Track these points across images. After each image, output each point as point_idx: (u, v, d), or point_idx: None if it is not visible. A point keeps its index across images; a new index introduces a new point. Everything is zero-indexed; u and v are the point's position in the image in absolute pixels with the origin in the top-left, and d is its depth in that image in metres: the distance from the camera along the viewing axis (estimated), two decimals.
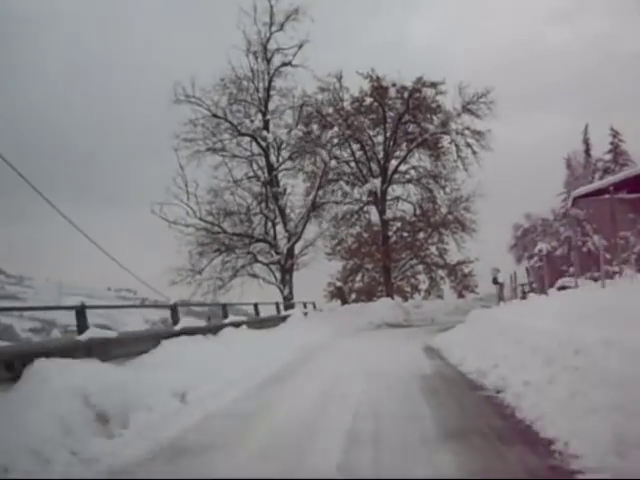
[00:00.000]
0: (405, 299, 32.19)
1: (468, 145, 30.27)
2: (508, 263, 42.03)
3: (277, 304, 20.86)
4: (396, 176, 33.46)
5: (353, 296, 33.67)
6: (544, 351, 7.81)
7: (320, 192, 27.51)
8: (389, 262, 32.33)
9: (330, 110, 30.94)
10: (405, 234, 33.68)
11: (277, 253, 25.83)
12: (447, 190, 32.23)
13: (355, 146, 32.91)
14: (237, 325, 12.71)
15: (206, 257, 25.74)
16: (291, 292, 25.59)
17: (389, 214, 32.97)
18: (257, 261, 26.15)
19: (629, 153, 41.11)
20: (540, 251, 59.45)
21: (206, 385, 7.33)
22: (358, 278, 34.36)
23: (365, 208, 34.18)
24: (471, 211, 32.12)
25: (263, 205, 26.82)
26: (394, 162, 32.87)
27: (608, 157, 43.58)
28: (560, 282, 25.81)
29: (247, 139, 26.92)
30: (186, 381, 6.90)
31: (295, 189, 27.76)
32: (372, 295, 32.54)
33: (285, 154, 27.84)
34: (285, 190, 26.72)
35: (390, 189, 33.67)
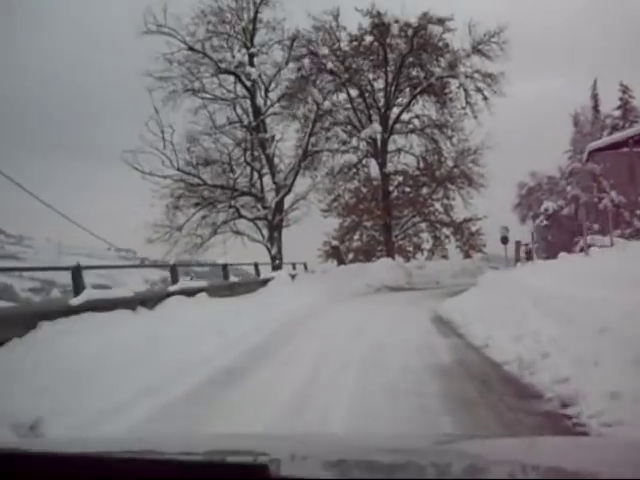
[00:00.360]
0: (407, 259, 29.61)
1: (478, 90, 27.17)
2: (512, 223, 40.54)
3: (256, 265, 18.31)
4: (398, 126, 30.48)
5: (351, 256, 31.10)
6: (623, 338, 5.22)
7: (313, 139, 24.46)
8: (390, 219, 29.64)
9: (325, 51, 27.73)
10: (407, 189, 30.88)
11: (264, 207, 23.04)
12: (454, 141, 29.30)
13: (353, 92, 29.85)
14: (191, 293, 9.99)
15: (184, 212, 22.95)
16: (280, 251, 22.89)
17: (390, 167, 30.14)
18: (241, 216, 23.33)
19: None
20: (546, 210, 57.19)
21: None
22: (356, 237, 31.77)
23: (364, 161, 31.33)
24: (479, 164, 29.27)
25: (248, 154, 23.74)
26: (396, 110, 29.90)
27: (617, 113, 41.82)
28: (589, 239, 22.82)
29: (230, 79, 23.72)
30: None
31: (285, 136, 24.71)
32: (371, 255, 29.97)
33: (273, 96, 24.78)
34: (273, 137, 23.66)
35: (391, 140, 30.74)
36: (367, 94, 29.78)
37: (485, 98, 26.81)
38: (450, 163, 29.87)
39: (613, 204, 30.89)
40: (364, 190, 30.81)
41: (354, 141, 30.96)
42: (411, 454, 1.62)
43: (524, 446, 1.98)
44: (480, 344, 7.71)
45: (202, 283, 11.35)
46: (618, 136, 31.91)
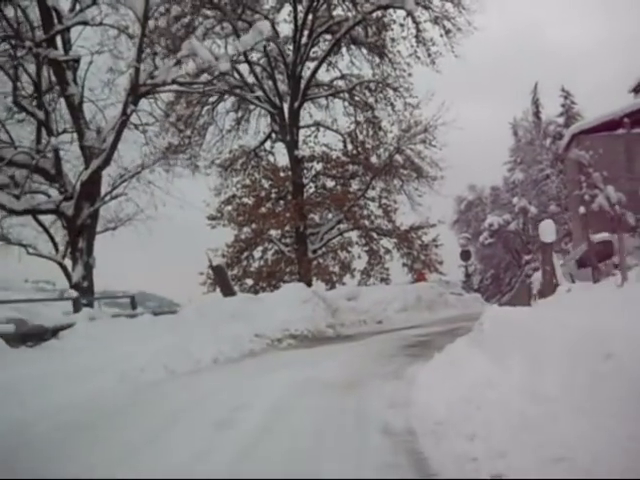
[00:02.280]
0: (331, 285, 19.89)
1: (436, 21, 17.84)
2: (450, 243, 33.88)
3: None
4: (315, 90, 20.98)
5: (250, 282, 21.06)
6: None
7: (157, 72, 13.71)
8: (304, 226, 19.97)
9: None
10: (330, 182, 21.26)
11: (61, 192, 12.62)
12: (397, 107, 19.84)
13: None
14: None
15: None
16: (89, 275, 12.37)
17: (304, 151, 20.55)
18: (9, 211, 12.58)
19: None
20: (491, 225, 48.41)
21: None
22: (258, 254, 21.69)
23: (268, 144, 21.66)
24: (433, 146, 20.04)
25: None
26: (311, 65, 20.39)
27: (561, 120, 39.41)
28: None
29: None
30: None
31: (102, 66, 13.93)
32: (278, 280, 20.02)
33: None
34: (77, 61, 12.99)
35: (307, 112, 21.26)
36: (269, 46, 20.23)
37: (447, 32, 17.56)
38: (392, 145, 20.47)
39: (610, 203, 22.42)
40: (266, 185, 21.00)
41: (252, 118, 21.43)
42: None
43: None
44: None
45: None
46: (611, 114, 23.88)
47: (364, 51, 20.11)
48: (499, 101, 67.54)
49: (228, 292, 17.12)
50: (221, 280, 17.96)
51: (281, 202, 20.92)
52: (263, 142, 21.63)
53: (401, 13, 18.32)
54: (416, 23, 18.08)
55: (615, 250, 14.99)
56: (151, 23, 12.66)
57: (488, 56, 50.44)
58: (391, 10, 18.31)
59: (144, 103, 12.87)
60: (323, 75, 20.91)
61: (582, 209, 16.22)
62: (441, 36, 17.54)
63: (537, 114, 44.04)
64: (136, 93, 11.49)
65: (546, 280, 8.73)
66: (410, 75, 18.89)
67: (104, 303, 14.56)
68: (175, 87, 12.42)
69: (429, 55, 17.94)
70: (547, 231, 8.94)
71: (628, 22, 75.63)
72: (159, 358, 8.50)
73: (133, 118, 12.96)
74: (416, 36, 18.10)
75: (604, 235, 17.67)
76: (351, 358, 9.39)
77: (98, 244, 12.82)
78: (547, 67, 67.90)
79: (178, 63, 11.38)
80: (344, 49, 20.38)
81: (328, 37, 20.07)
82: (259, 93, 18.32)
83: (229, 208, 21.16)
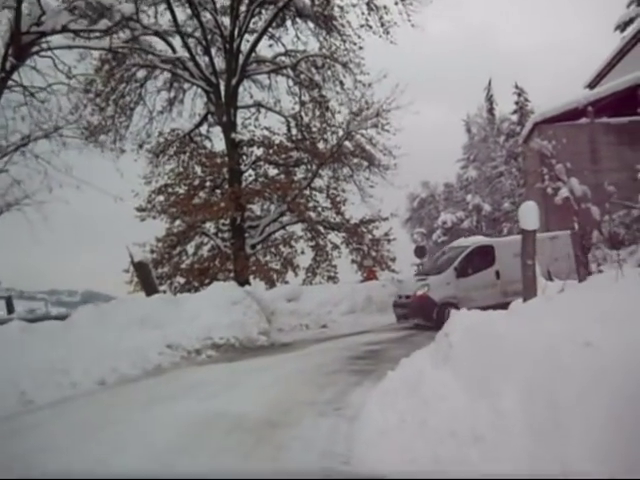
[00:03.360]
0: (271, 284, 17.71)
1: None
2: (402, 241, 31.66)
3: None
4: (255, 67, 18.79)
5: (182, 280, 18.67)
6: None
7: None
8: (242, 218, 17.75)
9: None
10: (272, 170, 19.05)
11: None
12: (346, 85, 17.76)
13: (181, 10, 18.00)
14: None
15: None
16: None
17: (243, 134, 18.31)
18: None
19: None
20: (444, 223, 47.17)
21: None
22: (191, 250, 19.30)
23: (204, 127, 19.42)
24: (385, 131, 18.04)
25: None
26: (251, 39, 18.16)
27: (515, 118, 38.75)
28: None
29: None
30: None
31: None
32: (212, 278, 17.66)
33: None
34: None
35: (247, 92, 19.11)
36: (204, 17, 17.98)
37: None
38: (341, 128, 18.40)
39: (575, 197, 20.97)
40: (200, 172, 18.68)
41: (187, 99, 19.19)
42: None
43: None
44: None
45: None
46: (574, 101, 22.67)
47: (310, 25, 18.01)
48: (452, 100, 66.62)
49: (152, 291, 14.84)
50: (144, 278, 15.64)
51: (217, 191, 18.63)
52: (198, 125, 19.30)
53: None
54: None
55: (496, 257, 13.30)
56: None
57: (441, 56, 49.30)
58: None
59: (41, 64, 10.41)
60: (266, 51, 18.77)
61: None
62: (396, 4, 15.58)
63: (491, 111, 43.25)
64: (18, 44, 9.07)
65: (528, 278, 6.74)
66: (361, 48, 16.86)
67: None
68: (70, 42, 9.98)
69: (382, 24, 15.92)
70: (529, 216, 6.91)
71: (576, 24, 76.17)
72: (15, 383, 6.25)
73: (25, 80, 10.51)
74: (367, 3, 16.08)
75: (479, 239, 15.97)
76: (281, 377, 7.33)
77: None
78: (501, 68, 67.53)
79: (73, 9, 9.05)
80: (289, 22, 18.26)
81: (271, 7, 17.89)
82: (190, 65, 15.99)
83: (161, 198, 18.76)
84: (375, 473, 3.74)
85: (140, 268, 15.61)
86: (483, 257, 13.27)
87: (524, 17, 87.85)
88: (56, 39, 9.74)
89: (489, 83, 41.95)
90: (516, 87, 37.70)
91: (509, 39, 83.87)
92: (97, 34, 9.64)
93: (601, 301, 4.85)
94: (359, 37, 16.82)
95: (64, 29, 8.77)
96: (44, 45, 9.47)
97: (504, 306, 6.33)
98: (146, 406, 5.85)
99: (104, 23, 8.88)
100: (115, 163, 15.02)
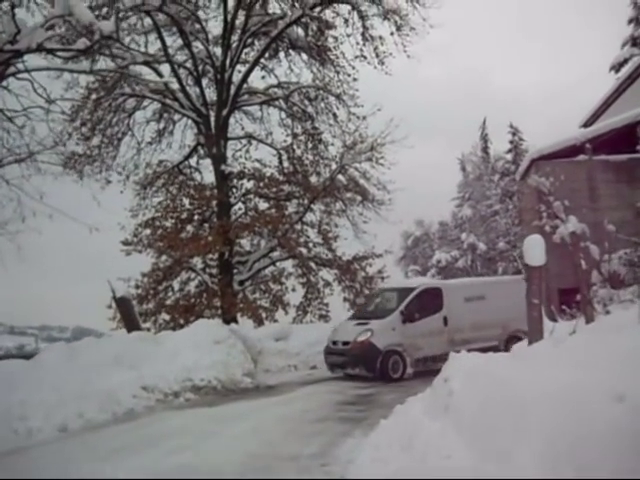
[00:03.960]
0: (259, 322, 16.97)
1: (386, 17, 15.46)
2: (398, 277, 33.02)
3: None
4: (245, 97, 18.40)
5: (167, 317, 17.88)
6: None
7: None
8: (230, 253, 17.11)
9: None
10: (263, 204, 18.47)
11: None
12: (340, 117, 17.33)
13: (172, 39, 17.73)
14: None
15: None
16: None
17: (234, 166, 17.82)
18: None
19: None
20: (439, 262, 46.57)
21: None
22: (177, 286, 18.56)
23: (193, 159, 18.95)
24: (380, 165, 17.56)
25: None
26: (243, 70, 17.82)
27: (509, 157, 38.75)
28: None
29: None
30: None
31: None
32: (198, 315, 16.93)
33: None
34: None
35: (238, 123, 18.71)
36: (193, 40, 17.66)
37: (398, 28, 15.20)
38: (334, 161, 17.92)
39: (573, 236, 20.42)
40: (189, 204, 18.10)
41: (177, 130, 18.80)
42: None
43: None
44: None
45: None
46: (572, 138, 22.28)
47: (304, 56, 17.70)
48: (447, 138, 66.94)
49: (133, 328, 14.08)
50: (126, 314, 14.88)
51: (205, 225, 18.04)
52: (188, 156, 18.81)
53: (346, 7, 15.98)
54: (363, 18, 15.71)
55: (444, 301, 12.33)
56: None
57: (435, 100, 49.62)
58: (334, 5, 15.94)
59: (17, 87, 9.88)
60: (258, 82, 18.40)
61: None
62: (391, 34, 15.27)
63: (485, 149, 43.20)
64: None
65: (534, 318, 6.09)
66: (355, 80, 16.46)
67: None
68: (49, 64, 9.48)
69: (377, 55, 15.59)
70: (534, 250, 6.29)
71: (571, 66, 77.24)
72: None
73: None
74: (362, 33, 15.76)
75: (424, 280, 15.13)
76: (263, 425, 6.60)
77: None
78: (495, 108, 68.09)
79: (50, 27, 8.58)
80: (282, 54, 17.96)
81: (263, 38, 17.60)
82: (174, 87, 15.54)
83: (147, 232, 18.12)
84: None
85: (122, 304, 14.87)
86: (431, 301, 12.30)
87: (521, 59, 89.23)
88: (34, 60, 9.26)
89: (484, 122, 42.04)
90: (511, 126, 37.71)
91: (505, 80, 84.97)
92: (76, 55, 9.15)
93: (622, 345, 4.21)
94: (353, 68, 16.51)
95: (39, 47, 8.25)
96: (20, 66, 8.96)
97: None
98: (105, 458, 5.12)
99: (82, 42, 8.40)
100: (92, 191, 14.42)
